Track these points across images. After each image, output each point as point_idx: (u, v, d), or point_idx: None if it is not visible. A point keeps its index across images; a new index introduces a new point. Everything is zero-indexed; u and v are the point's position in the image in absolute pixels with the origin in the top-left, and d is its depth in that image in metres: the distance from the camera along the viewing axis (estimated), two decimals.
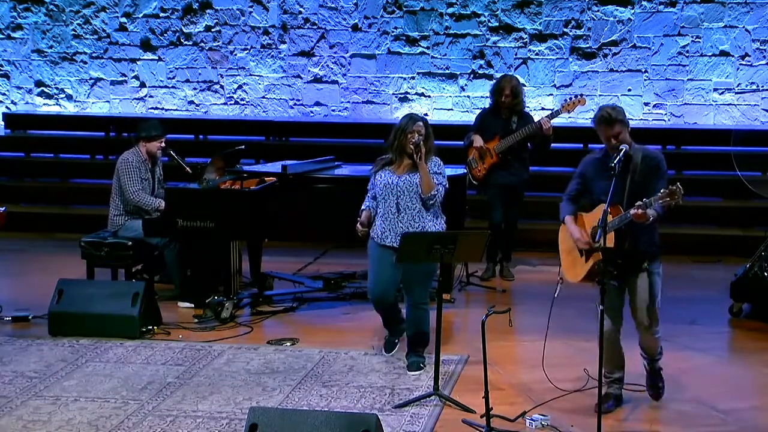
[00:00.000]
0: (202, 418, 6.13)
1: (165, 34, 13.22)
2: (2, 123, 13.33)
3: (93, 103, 13.46)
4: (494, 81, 9.98)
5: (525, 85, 10.63)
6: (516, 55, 12.63)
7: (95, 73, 13.39)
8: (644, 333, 6.21)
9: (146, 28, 13.24)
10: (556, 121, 9.34)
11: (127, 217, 8.68)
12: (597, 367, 5.83)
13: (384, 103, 12.94)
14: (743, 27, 12.23)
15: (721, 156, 11.19)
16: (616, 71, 12.48)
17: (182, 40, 13.19)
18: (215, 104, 13.25)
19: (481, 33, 12.68)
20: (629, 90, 12.47)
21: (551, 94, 12.56)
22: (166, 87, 13.30)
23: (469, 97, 12.75)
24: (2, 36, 13.49)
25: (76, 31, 13.35)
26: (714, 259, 10.40)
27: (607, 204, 5.80)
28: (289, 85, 13.10)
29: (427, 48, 12.79)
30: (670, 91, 12.44)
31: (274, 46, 13.04)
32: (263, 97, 13.16)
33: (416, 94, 12.87)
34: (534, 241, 10.18)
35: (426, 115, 12.39)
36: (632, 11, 12.40)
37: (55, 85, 13.48)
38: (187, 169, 8.89)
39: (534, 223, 10.42)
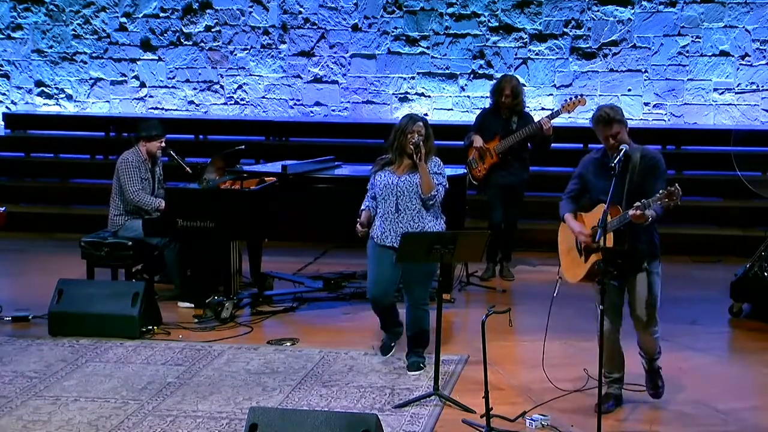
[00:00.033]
0: (202, 418, 6.13)
1: (165, 34, 13.22)
2: (2, 123, 13.33)
3: (93, 103, 13.46)
4: (494, 81, 9.98)
5: (525, 85, 10.63)
6: (516, 55, 12.63)
7: (95, 73, 13.39)
8: (643, 333, 6.21)
9: (146, 28, 13.24)
10: (556, 121, 9.34)
11: (127, 217, 8.68)
12: (597, 367, 5.83)
13: (384, 103, 12.95)
14: (743, 27, 12.23)
15: (721, 156, 11.19)
16: (616, 71, 12.48)
17: (182, 40, 13.19)
18: (215, 104, 13.26)
19: (481, 33, 12.68)
20: (629, 90, 12.47)
21: (551, 94, 12.56)
22: (166, 87, 13.30)
23: (469, 97, 12.75)
24: (2, 36, 13.50)
25: (76, 31, 13.35)
26: (714, 259, 10.40)
27: (607, 204, 5.80)
28: (289, 85, 13.10)
29: (427, 48, 12.79)
30: (670, 91, 12.44)
31: (274, 46, 13.04)
32: (263, 97, 13.17)
33: (416, 94, 12.87)
34: (534, 241, 10.18)
35: (426, 115, 12.40)
36: (632, 11, 12.40)
37: (55, 85, 13.48)
38: (187, 169, 8.89)
39: (534, 223, 10.42)
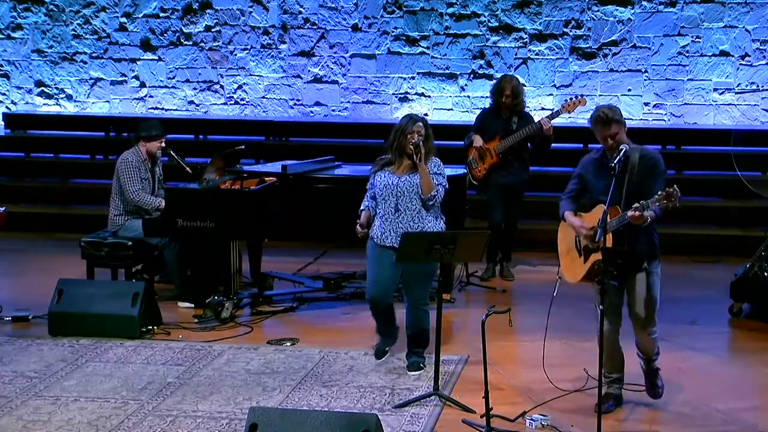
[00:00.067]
0: (202, 418, 6.13)
1: (165, 34, 13.22)
2: (2, 123, 13.33)
3: (93, 103, 13.46)
4: (495, 81, 9.98)
5: (525, 85, 10.63)
6: (516, 55, 12.63)
7: (95, 73, 13.39)
8: (641, 333, 6.20)
9: (146, 28, 13.24)
10: (556, 121, 9.34)
11: (127, 217, 8.68)
12: (597, 366, 5.83)
13: (384, 103, 12.95)
14: (743, 27, 12.23)
15: (721, 156, 11.19)
16: (616, 71, 12.48)
17: (182, 40, 13.19)
18: (215, 104, 13.26)
19: (481, 33, 12.68)
20: (629, 90, 12.47)
21: (551, 94, 12.56)
22: (166, 87, 13.30)
23: (469, 97, 12.75)
24: (2, 36, 13.50)
25: (76, 31, 13.35)
26: (714, 259, 10.40)
27: (607, 204, 5.80)
28: (289, 85, 13.10)
29: (427, 48, 12.79)
30: (670, 91, 12.44)
31: (274, 46, 13.04)
32: (263, 97, 13.17)
33: (416, 94, 12.87)
34: (534, 241, 10.18)
35: (426, 115, 12.40)
36: (632, 11, 12.40)
37: (55, 85, 13.48)
38: (187, 169, 8.89)
39: (534, 223, 10.42)
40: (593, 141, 6.20)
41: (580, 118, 11.08)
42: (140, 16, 13.24)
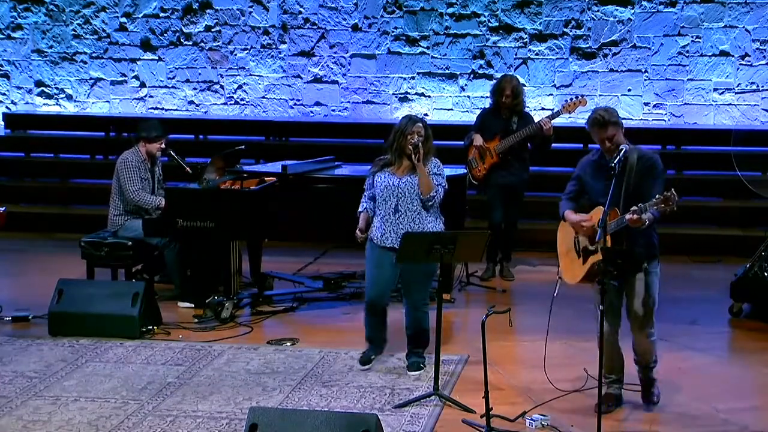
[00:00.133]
0: (202, 418, 6.13)
1: (165, 34, 13.22)
2: (2, 123, 13.33)
3: (93, 103, 13.46)
4: (495, 81, 9.98)
5: (525, 85, 10.63)
6: (516, 55, 12.63)
7: (95, 73, 13.39)
8: (639, 334, 6.20)
9: (146, 28, 13.24)
10: (556, 122, 9.34)
11: (127, 217, 8.68)
12: (596, 367, 5.83)
13: (384, 103, 12.95)
14: (743, 27, 12.23)
15: (721, 156, 11.19)
16: (616, 71, 12.48)
17: (182, 40, 13.19)
18: (215, 104, 13.25)
19: (481, 33, 12.68)
20: (629, 90, 12.47)
21: (551, 94, 12.56)
22: (166, 87, 13.30)
23: (469, 97, 12.75)
24: (2, 36, 13.49)
25: (76, 31, 13.35)
26: (714, 259, 10.40)
27: (606, 204, 5.81)
28: (289, 85, 13.10)
29: (427, 48, 12.79)
30: (670, 91, 12.44)
31: (274, 46, 13.04)
32: (263, 97, 13.17)
33: (416, 94, 12.87)
34: (534, 241, 10.18)
35: (426, 115, 12.42)
36: (632, 11, 12.40)
37: (55, 85, 13.48)
38: (187, 169, 8.89)
39: (534, 223, 10.42)
40: (593, 141, 6.20)
41: (580, 118, 11.03)
42: (140, 16, 13.24)
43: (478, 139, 9.31)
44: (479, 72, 12.70)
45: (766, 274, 8.24)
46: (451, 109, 12.81)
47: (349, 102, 13.01)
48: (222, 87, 13.19)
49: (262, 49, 13.06)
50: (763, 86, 12.28)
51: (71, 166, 12.68)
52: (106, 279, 8.56)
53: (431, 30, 12.75)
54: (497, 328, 6.59)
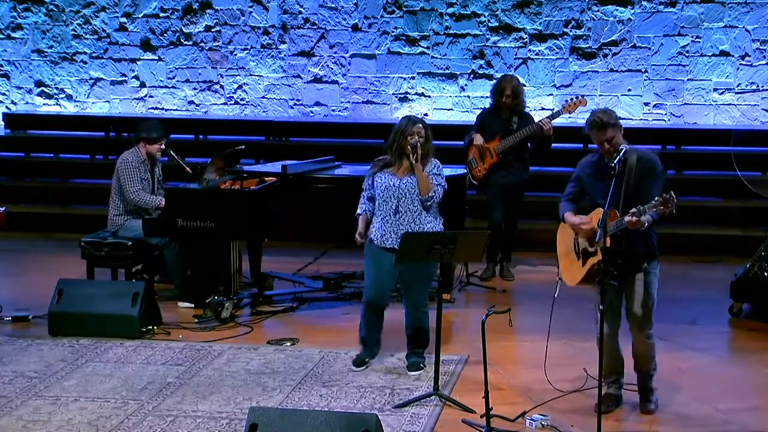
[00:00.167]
0: (202, 418, 6.13)
1: (165, 34, 13.22)
2: (2, 123, 13.33)
3: (93, 103, 13.46)
4: (495, 81, 9.98)
5: (525, 85, 10.62)
6: (516, 55, 12.63)
7: (95, 73, 13.39)
8: (638, 334, 6.19)
9: (146, 28, 13.24)
10: (556, 122, 9.34)
11: (127, 217, 8.68)
12: (596, 366, 5.83)
13: (384, 103, 12.95)
14: (743, 27, 12.23)
15: (721, 156, 11.19)
16: (616, 71, 12.48)
17: (182, 40, 13.19)
18: (215, 104, 13.25)
19: (481, 33, 12.68)
20: (629, 90, 12.47)
21: (551, 94, 12.55)
22: (166, 87, 13.30)
23: (469, 97, 12.75)
24: (2, 36, 13.49)
25: (76, 31, 13.35)
26: (714, 259, 10.40)
27: (606, 205, 5.81)
28: (289, 85, 13.10)
29: (427, 48, 12.79)
30: (670, 91, 12.44)
31: (274, 46, 13.04)
32: (263, 97, 13.17)
33: (416, 94, 12.87)
34: (534, 241, 10.18)
35: (426, 115, 12.42)
36: (632, 11, 12.40)
37: (55, 85, 13.48)
38: (187, 169, 8.89)
39: (534, 223, 10.42)
40: (593, 142, 6.20)
41: (580, 118, 11.03)
42: (140, 16, 13.23)
43: (478, 138, 9.31)
44: (479, 72, 12.70)
45: (766, 274, 8.24)
46: (451, 109, 12.81)
47: (349, 102, 13.01)
48: (222, 87, 13.19)
49: (262, 49, 13.06)
50: (763, 86, 12.28)
51: (71, 166, 12.68)
52: (106, 279, 8.56)
53: (431, 30, 12.75)
54: (497, 328, 6.59)
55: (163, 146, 8.82)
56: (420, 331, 6.99)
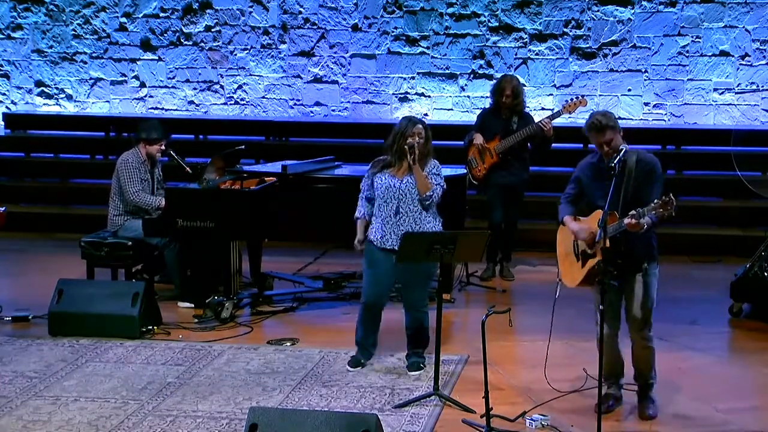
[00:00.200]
0: (202, 418, 6.13)
1: (165, 34, 13.22)
2: (2, 123, 13.33)
3: (93, 103, 13.46)
4: (495, 81, 9.98)
5: (525, 85, 10.63)
6: (516, 55, 12.63)
7: (95, 73, 13.39)
8: (637, 336, 6.18)
9: (146, 28, 13.24)
10: (557, 122, 9.34)
11: (127, 217, 8.68)
12: (596, 367, 5.83)
13: (384, 103, 12.95)
14: (743, 27, 12.23)
15: (721, 156, 11.19)
16: (616, 71, 12.48)
17: (182, 40, 13.19)
18: (215, 104, 13.26)
19: (481, 33, 12.68)
20: (629, 90, 12.47)
21: (551, 94, 12.56)
22: (166, 87, 13.30)
23: (469, 97, 12.75)
24: (2, 36, 13.49)
25: (76, 31, 13.35)
26: (714, 259, 10.40)
27: (606, 206, 5.80)
28: (289, 85, 13.10)
29: (427, 48, 12.79)
30: (670, 91, 12.44)
31: (274, 46, 13.04)
32: (263, 97, 13.17)
33: (416, 94, 12.87)
34: (534, 241, 10.18)
35: (426, 115, 12.42)
36: (632, 11, 12.40)
37: (55, 85, 13.48)
38: (187, 169, 8.89)
39: (534, 223, 10.43)
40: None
41: (581, 118, 11.04)
42: (140, 16, 13.23)
43: (478, 138, 9.31)
44: (479, 72, 12.70)
45: (766, 274, 8.24)
46: (451, 109, 12.81)
47: (349, 102, 13.01)
48: (222, 87, 13.19)
49: (262, 49, 13.06)
50: (763, 86, 12.28)
51: (71, 166, 12.68)
52: (106, 279, 8.56)
53: (431, 30, 12.75)
54: (497, 328, 6.59)
55: (163, 147, 8.82)
56: (420, 331, 6.99)
